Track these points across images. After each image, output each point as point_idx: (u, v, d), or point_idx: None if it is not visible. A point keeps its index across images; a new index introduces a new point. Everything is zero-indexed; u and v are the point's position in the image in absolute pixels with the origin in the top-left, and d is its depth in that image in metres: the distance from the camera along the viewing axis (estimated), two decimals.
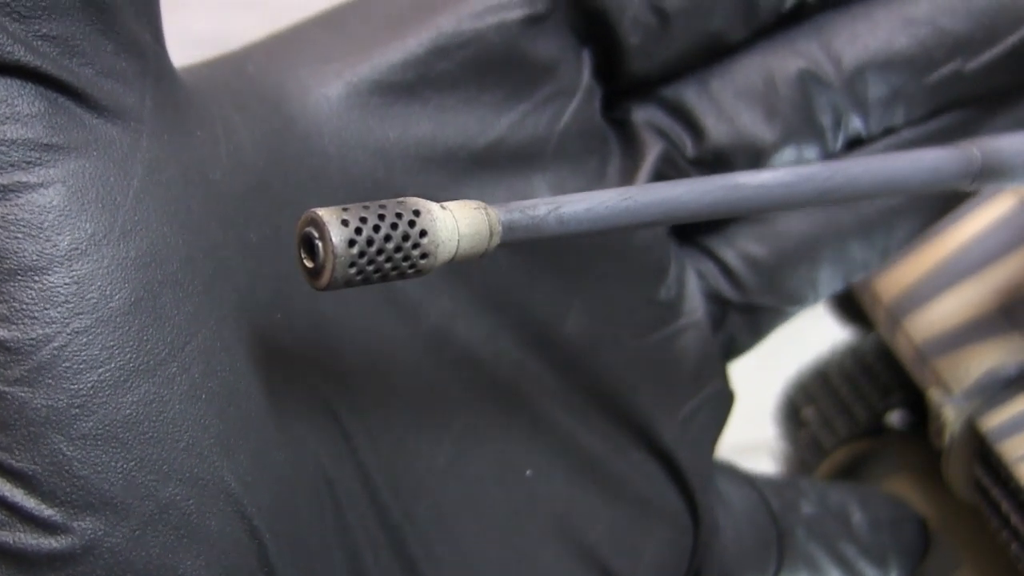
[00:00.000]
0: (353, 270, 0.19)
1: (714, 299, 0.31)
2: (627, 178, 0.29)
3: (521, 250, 0.27)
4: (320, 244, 0.19)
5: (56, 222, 0.20)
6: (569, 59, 0.28)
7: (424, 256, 0.19)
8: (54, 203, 0.20)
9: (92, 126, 0.21)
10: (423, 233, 0.19)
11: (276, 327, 0.23)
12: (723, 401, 0.31)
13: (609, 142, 0.29)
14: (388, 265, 0.19)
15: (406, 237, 0.19)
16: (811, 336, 0.44)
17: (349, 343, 0.25)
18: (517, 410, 0.27)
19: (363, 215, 0.19)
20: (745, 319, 0.31)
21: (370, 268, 0.19)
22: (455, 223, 0.20)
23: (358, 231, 0.19)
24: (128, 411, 0.20)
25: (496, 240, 0.20)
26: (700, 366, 0.30)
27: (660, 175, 0.29)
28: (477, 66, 0.26)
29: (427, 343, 0.26)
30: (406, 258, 0.19)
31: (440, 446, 0.26)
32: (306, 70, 0.25)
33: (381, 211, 0.19)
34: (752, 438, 0.45)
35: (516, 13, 0.27)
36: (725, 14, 0.28)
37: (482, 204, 0.20)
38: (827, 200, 0.25)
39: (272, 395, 0.23)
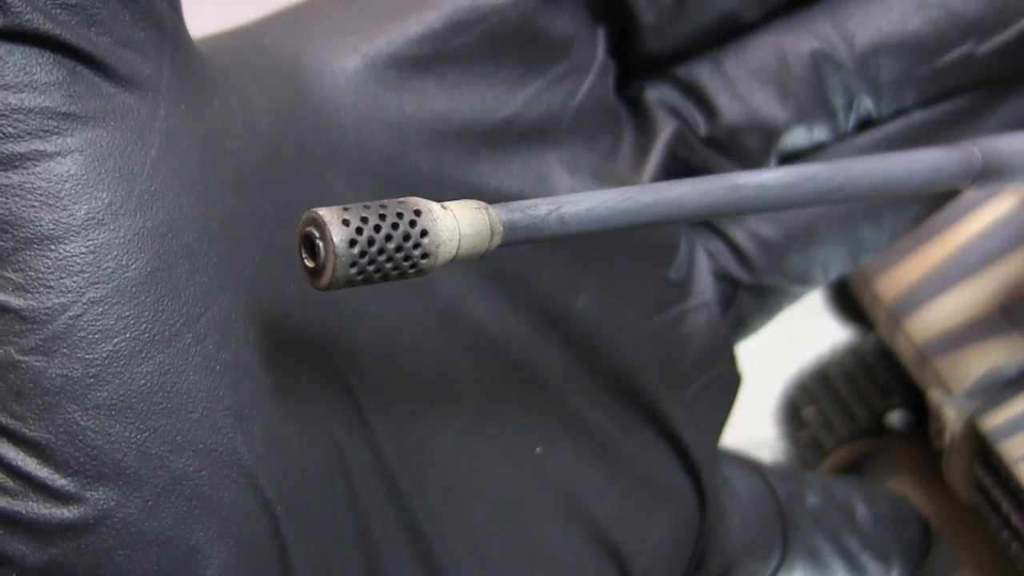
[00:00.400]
0: (354, 270, 0.19)
1: (724, 279, 0.31)
2: (640, 156, 0.29)
3: None
4: (321, 244, 0.19)
5: (73, 191, 0.20)
6: (584, 36, 0.28)
7: (425, 256, 0.19)
8: (71, 172, 0.20)
9: (110, 95, 0.21)
10: (424, 233, 0.19)
11: (290, 300, 0.23)
12: (730, 382, 0.31)
13: (623, 120, 0.29)
14: (389, 265, 0.19)
15: (407, 237, 0.19)
16: (812, 336, 0.45)
17: (362, 317, 0.25)
18: (528, 387, 0.27)
19: (364, 215, 0.19)
20: (754, 299, 0.31)
21: (371, 268, 0.19)
22: (456, 223, 0.20)
23: (359, 231, 0.19)
24: (143, 381, 0.20)
25: (497, 240, 0.20)
26: (708, 346, 0.30)
27: (672, 154, 0.29)
28: (494, 41, 0.26)
29: (439, 318, 0.26)
30: (407, 258, 0.19)
31: (450, 420, 0.26)
32: (323, 43, 0.25)
33: (382, 211, 0.19)
34: (753, 438, 0.45)
35: None
36: None
37: (483, 204, 0.20)
38: (828, 200, 0.25)
39: (286, 368, 0.23)
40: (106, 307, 0.20)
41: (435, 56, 0.26)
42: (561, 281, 0.28)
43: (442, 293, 0.26)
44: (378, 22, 0.26)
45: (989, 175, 0.26)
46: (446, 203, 0.20)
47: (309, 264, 0.19)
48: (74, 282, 0.20)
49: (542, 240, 0.21)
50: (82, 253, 0.20)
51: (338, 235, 0.18)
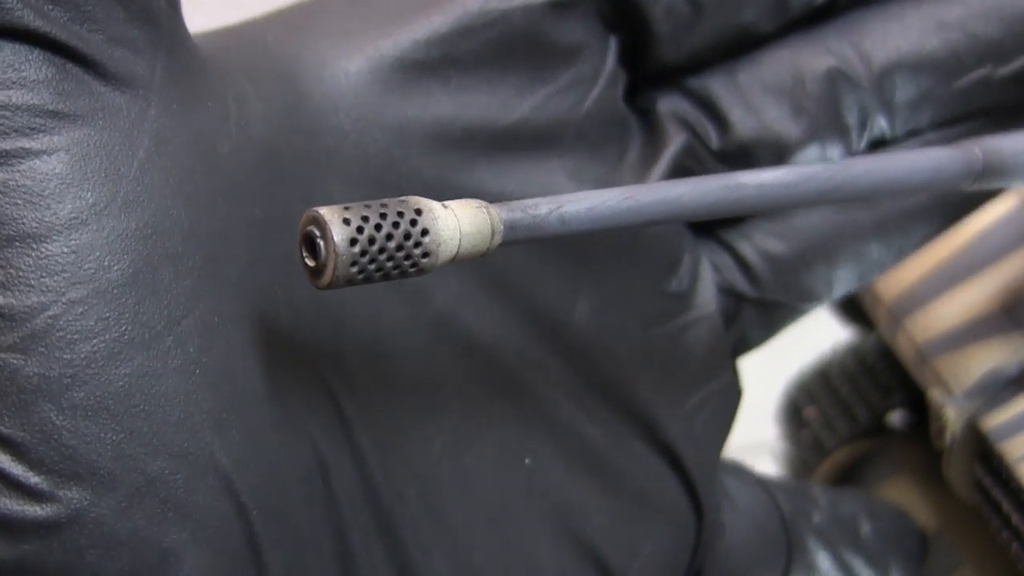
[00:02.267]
0: (355, 269, 0.19)
1: (728, 293, 0.31)
2: (646, 167, 0.29)
3: None
4: (322, 243, 0.19)
5: (57, 190, 0.20)
6: (594, 45, 0.28)
7: (426, 255, 0.19)
8: (56, 171, 0.20)
9: (100, 94, 0.21)
10: (425, 232, 0.19)
11: (277, 305, 0.23)
12: (730, 396, 0.31)
13: (631, 129, 0.29)
14: (390, 264, 0.19)
15: (408, 236, 0.19)
16: (813, 336, 0.45)
17: (351, 324, 0.24)
18: (519, 398, 0.27)
19: (365, 214, 0.19)
20: (759, 314, 0.31)
21: (372, 267, 0.19)
22: (457, 222, 0.20)
23: (360, 230, 0.19)
24: (120, 383, 0.20)
25: (498, 239, 0.20)
26: (708, 360, 0.30)
27: (680, 166, 0.29)
28: (501, 47, 0.26)
29: (432, 327, 0.26)
30: (408, 257, 0.19)
31: (437, 430, 0.26)
32: (326, 43, 0.25)
33: (383, 210, 0.19)
34: (754, 438, 0.45)
35: None
36: (757, 6, 0.28)
37: (483, 203, 0.20)
38: (829, 199, 0.25)
39: (270, 374, 0.23)
40: (86, 308, 0.20)
41: (441, 60, 0.26)
42: (559, 291, 0.27)
43: (436, 300, 0.26)
44: (384, 24, 0.26)
45: (990, 175, 0.26)
46: (447, 202, 0.20)
47: (310, 263, 0.19)
48: (55, 282, 0.20)
49: (543, 239, 0.21)
50: (64, 253, 0.20)
51: (339, 234, 0.18)
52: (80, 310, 0.20)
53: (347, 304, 0.24)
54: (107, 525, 0.20)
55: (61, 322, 0.20)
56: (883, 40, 0.29)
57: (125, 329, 0.20)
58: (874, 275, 0.32)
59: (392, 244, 0.19)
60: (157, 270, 0.21)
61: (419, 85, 0.25)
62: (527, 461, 0.27)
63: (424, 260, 0.19)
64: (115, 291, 0.20)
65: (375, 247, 0.19)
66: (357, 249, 0.19)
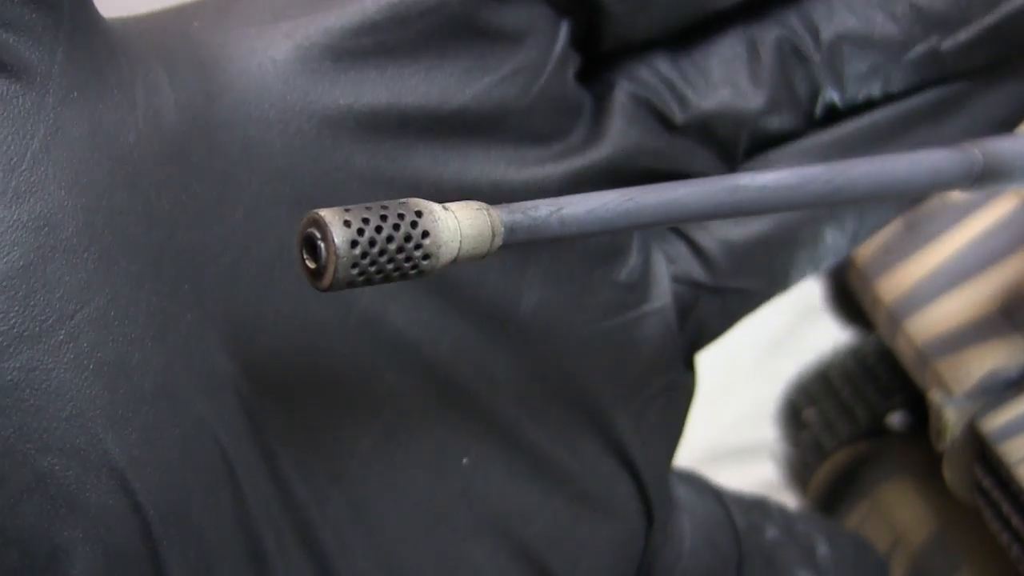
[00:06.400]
0: (355, 271, 0.19)
1: (685, 282, 0.30)
2: (590, 146, 0.28)
3: None
4: (323, 245, 0.19)
5: None
6: (541, 29, 0.27)
7: (426, 257, 0.19)
8: None
9: None
10: (425, 234, 0.19)
11: (182, 300, 0.23)
12: (682, 393, 0.31)
13: (583, 111, 0.28)
14: (390, 266, 0.19)
15: (408, 238, 0.19)
16: (812, 337, 0.45)
17: (265, 322, 0.24)
18: (456, 397, 0.26)
19: (365, 216, 0.19)
20: (716, 303, 0.31)
21: (372, 269, 0.19)
22: (457, 224, 0.20)
23: (360, 232, 0.19)
24: (9, 377, 0.20)
25: (498, 241, 0.20)
26: (660, 354, 0.30)
27: (632, 149, 0.28)
28: (439, 35, 0.25)
29: (358, 326, 0.25)
30: (408, 259, 0.19)
31: (365, 429, 0.25)
32: (255, 29, 0.24)
33: (383, 212, 0.19)
34: (753, 439, 0.45)
35: None
36: None
37: (483, 205, 0.20)
38: (829, 202, 0.25)
39: (169, 371, 0.22)
40: None
41: (374, 48, 0.25)
42: (506, 283, 0.27)
43: (362, 301, 0.25)
44: (315, 10, 0.25)
45: (990, 176, 0.26)
46: (447, 204, 0.20)
47: (311, 265, 0.19)
48: None
49: (543, 241, 0.21)
50: None
51: (340, 236, 0.18)
52: None
53: (262, 301, 0.24)
54: None
55: None
56: (830, 14, 0.29)
57: (14, 322, 0.20)
58: (829, 261, 0.32)
59: (392, 246, 0.19)
60: (49, 262, 0.20)
61: (351, 73, 0.25)
62: (464, 461, 0.26)
63: (424, 262, 0.19)
64: (4, 283, 0.20)
65: (375, 249, 0.19)
66: (358, 251, 0.19)
